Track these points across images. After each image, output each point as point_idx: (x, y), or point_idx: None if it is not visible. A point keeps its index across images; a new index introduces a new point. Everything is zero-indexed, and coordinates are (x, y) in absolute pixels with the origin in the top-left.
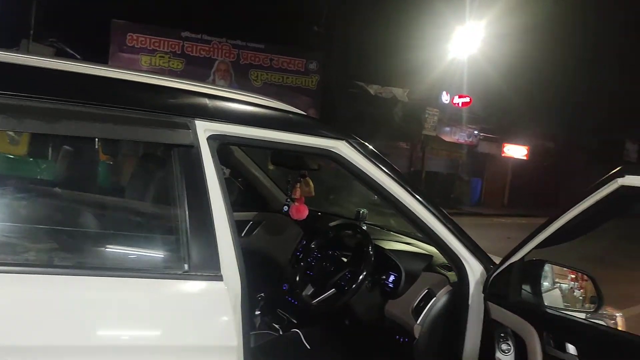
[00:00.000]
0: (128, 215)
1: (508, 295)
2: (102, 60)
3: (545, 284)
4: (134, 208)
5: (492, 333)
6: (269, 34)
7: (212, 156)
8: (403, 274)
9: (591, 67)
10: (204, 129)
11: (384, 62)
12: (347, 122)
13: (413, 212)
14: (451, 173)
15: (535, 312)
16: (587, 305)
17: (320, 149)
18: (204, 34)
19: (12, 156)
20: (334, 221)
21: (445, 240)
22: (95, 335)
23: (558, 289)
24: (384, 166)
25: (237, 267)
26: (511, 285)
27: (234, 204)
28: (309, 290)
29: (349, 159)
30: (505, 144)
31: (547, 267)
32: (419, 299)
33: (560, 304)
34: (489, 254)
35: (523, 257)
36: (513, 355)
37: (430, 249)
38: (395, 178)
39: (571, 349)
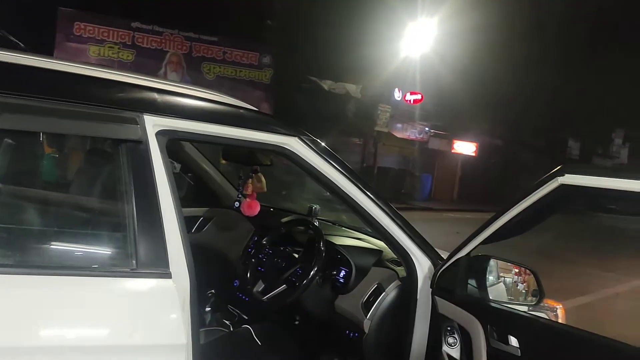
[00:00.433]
0: (73, 211)
1: (455, 290)
2: (48, 49)
3: (490, 278)
4: (80, 204)
5: (439, 327)
6: (223, 27)
7: (161, 152)
8: (353, 269)
9: (538, 66)
10: (152, 124)
11: (338, 57)
12: (300, 117)
13: (363, 208)
14: (402, 169)
15: (480, 306)
16: (529, 299)
17: (272, 145)
18: (156, 25)
19: None
20: (286, 217)
21: (394, 236)
22: (39, 335)
23: (502, 283)
24: (335, 163)
25: (185, 264)
26: (458, 280)
27: (184, 199)
28: (260, 286)
29: (300, 156)
30: (455, 141)
31: (492, 262)
32: (368, 294)
33: (504, 297)
34: (437, 249)
35: (469, 253)
36: (459, 348)
37: (381, 244)
38: (346, 175)
39: (513, 341)
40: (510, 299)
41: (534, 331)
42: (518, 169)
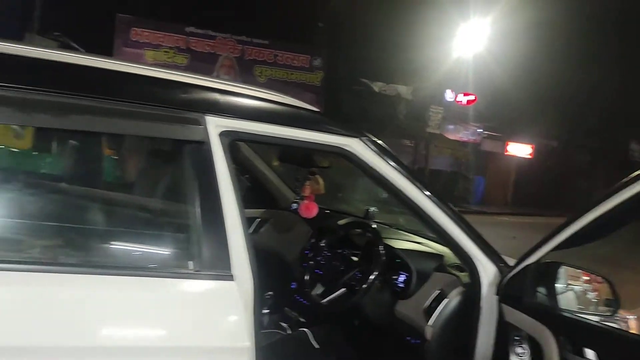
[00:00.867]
0: (136, 212)
1: (522, 298)
2: (107, 54)
3: (559, 286)
4: (142, 205)
5: (506, 336)
6: (274, 30)
7: (224, 153)
8: (414, 274)
9: (596, 65)
10: (215, 124)
11: (389, 59)
12: (350, 119)
13: (425, 211)
14: (454, 171)
15: (552, 315)
16: (601, 308)
17: (333, 147)
18: (209, 29)
19: (16, 150)
20: (343, 219)
21: (457, 240)
22: (101, 335)
23: (571, 291)
24: (396, 164)
25: (248, 267)
26: (526, 286)
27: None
28: (319, 289)
29: (362, 157)
30: (509, 143)
31: (562, 269)
32: (430, 300)
33: (574, 306)
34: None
35: (539, 259)
36: (528, 358)
37: (442, 249)
38: (408, 176)
39: (590, 353)
40: (581, 308)
41: (615, 344)
42: (575, 171)
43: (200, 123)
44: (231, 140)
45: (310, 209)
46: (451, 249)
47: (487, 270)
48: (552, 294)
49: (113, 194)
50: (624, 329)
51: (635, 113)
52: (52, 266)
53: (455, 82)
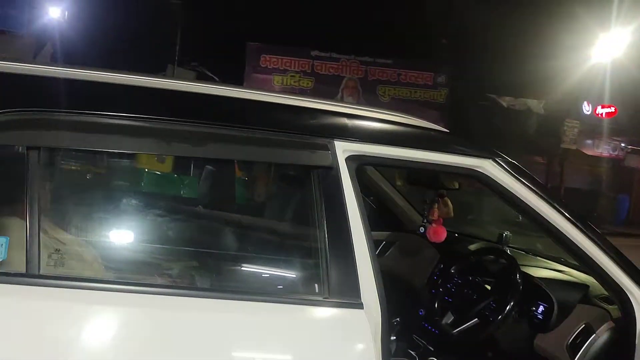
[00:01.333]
0: (265, 236)
1: None
2: (237, 81)
3: None
4: (271, 229)
5: None
6: (397, 49)
7: (351, 177)
8: (555, 305)
9: None
10: (342, 149)
11: (518, 73)
12: (477, 136)
13: (567, 237)
14: (594, 189)
15: None
16: None
17: (465, 169)
18: (333, 52)
19: (159, 173)
20: (474, 244)
21: (605, 269)
22: (231, 358)
23: None
24: (534, 186)
25: (377, 295)
26: None
27: None
28: (449, 318)
29: (496, 179)
30: None
31: None
32: (574, 335)
33: None
34: None
35: None
36: None
37: (586, 278)
38: (547, 199)
39: None
40: None
41: None
42: None
43: (329, 148)
44: (358, 165)
45: (439, 233)
46: (597, 279)
47: None
48: None
49: (243, 217)
50: None
51: None
52: (191, 290)
53: (592, 94)
